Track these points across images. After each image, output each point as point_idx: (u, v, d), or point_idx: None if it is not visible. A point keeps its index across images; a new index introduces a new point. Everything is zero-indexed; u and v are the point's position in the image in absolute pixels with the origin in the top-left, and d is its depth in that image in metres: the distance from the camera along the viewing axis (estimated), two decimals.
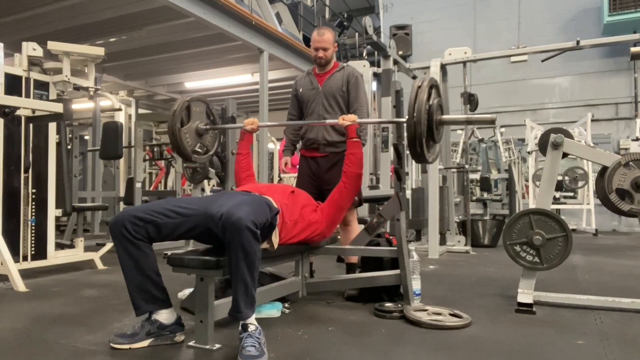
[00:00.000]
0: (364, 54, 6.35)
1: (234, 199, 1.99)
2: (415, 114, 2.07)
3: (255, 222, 1.80)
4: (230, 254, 1.79)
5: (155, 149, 7.42)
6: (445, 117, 2.27)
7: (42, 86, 3.57)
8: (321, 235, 2.53)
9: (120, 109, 7.15)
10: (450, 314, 2.34)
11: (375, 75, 5.31)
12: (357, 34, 8.13)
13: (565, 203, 8.23)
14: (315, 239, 2.51)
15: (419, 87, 2.12)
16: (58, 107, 3.23)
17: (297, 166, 3.34)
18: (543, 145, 2.85)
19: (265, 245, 2.11)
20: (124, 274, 1.96)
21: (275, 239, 2.10)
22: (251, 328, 1.81)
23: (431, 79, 2.20)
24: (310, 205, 2.49)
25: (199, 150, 2.78)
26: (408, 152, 2.27)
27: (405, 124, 2.23)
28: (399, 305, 2.45)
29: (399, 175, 2.58)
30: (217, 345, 1.91)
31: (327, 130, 3.06)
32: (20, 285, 3.07)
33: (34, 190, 3.53)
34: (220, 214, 1.81)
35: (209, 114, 2.81)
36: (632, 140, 7.56)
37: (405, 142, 2.32)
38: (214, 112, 2.82)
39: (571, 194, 8.43)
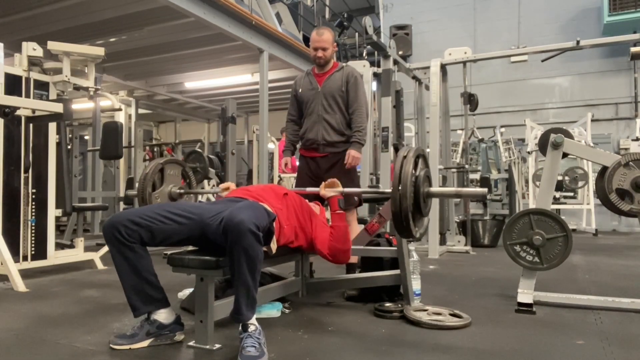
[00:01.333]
0: (364, 54, 6.36)
1: (233, 204, 1.98)
2: (400, 187, 1.90)
3: (258, 225, 1.79)
4: (232, 256, 1.78)
5: (155, 149, 7.42)
6: (433, 189, 2.08)
7: (42, 86, 3.57)
8: (309, 249, 2.48)
9: (120, 109, 7.16)
10: (450, 314, 2.34)
11: (375, 75, 5.31)
12: (357, 34, 8.15)
13: (565, 203, 8.23)
14: (308, 251, 2.49)
15: (404, 157, 1.96)
16: (58, 107, 3.23)
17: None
18: (543, 145, 2.84)
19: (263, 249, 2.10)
20: (119, 277, 1.96)
21: (274, 245, 2.09)
22: (251, 328, 1.81)
23: (418, 148, 2.05)
24: (303, 209, 2.41)
25: None
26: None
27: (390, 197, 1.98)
28: (399, 305, 2.45)
29: None
30: (217, 345, 1.91)
31: (326, 130, 3.06)
32: (20, 285, 3.07)
33: (34, 190, 3.53)
34: (221, 218, 1.81)
35: (185, 175, 2.74)
36: (632, 140, 7.57)
37: (405, 140, 2.21)
38: (190, 175, 2.76)
39: (571, 194, 8.43)
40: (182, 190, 2.68)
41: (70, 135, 6.11)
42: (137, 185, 2.51)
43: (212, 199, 4.81)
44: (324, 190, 2.39)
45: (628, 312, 2.48)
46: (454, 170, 5.93)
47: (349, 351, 1.92)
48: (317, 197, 2.79)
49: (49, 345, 1.98)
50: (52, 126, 3.66)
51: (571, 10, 9.59)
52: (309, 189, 2.61)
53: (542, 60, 5.52)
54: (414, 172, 1.96)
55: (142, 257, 1.95)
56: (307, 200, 2.53)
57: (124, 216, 1.95)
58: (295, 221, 2.29)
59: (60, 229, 5.33)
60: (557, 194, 7.87)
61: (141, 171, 5.25)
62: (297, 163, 3.83)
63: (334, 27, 7.95)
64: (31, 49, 3.47)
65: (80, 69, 3.79)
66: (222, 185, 2.62)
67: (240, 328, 1.83)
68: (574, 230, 7.41)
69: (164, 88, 8.37)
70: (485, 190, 2.08)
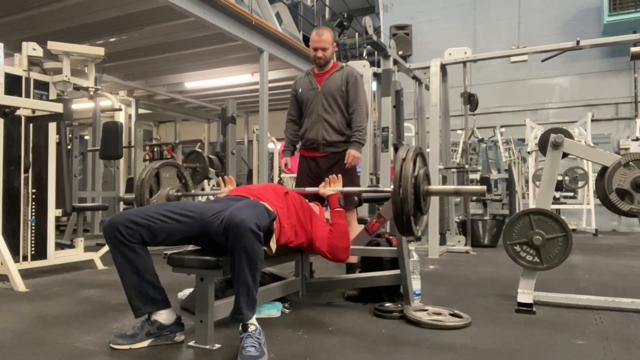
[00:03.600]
0: (364, 54, 6.35)
1: (233, 203, 1.98)
2: (401, 191, 1.93)
3: (259, 224, 1.79)
4: (232, 256, 1.79)
5: (155, 149, 7.42)
6: (432, 187, 2.13)
7: (42, 86, 3.57)
8: (309, 248, 2.48)
9: (120, 109, 7.15)
10: (450, 314, 2.34)
11: (375, 75, 5.30)
12: (357, 34, 8.14)
13: (565, 203, 8.23)
14: (308, 249, 2.49)
15: (404, 159, 1.98)
16: (58, 107, 3.23)
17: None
18: (543, 145, 2.84)
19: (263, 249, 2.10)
20: (120, 277, 1.96)
21: (273, 244, 2.09)
22: (251, 328, 1.81)
23: (416, 147, 2.07)
24: (304, 207, 2.43)
25: None
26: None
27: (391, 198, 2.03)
28: (399, 305, 2.45)
29: None
30: (217, 345, 1.91)
31: (326, 130, 3.06)
32: (20, 285, 3.07)
33: (34, 190, 3.53)
34: (222, 217, 1.81)
35: (180, 177, 2.77)
36: (632, 140, 7.56)
37: (404, 140, 2.23)
38: (185, 176, 2.79)
39: (571, 194, 8.43)
40: (179, 193, 2.71)
41: (70, 135, 6.11)
42: (135, 190, 2.55)
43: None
44: (323, 189, 2.40)
45: (628, 312, 2.48)
46: (454, 170, 5.93)
47: (349, 351, 1.92)
48: (317, 197, 2.79)
49: (49, 345, 1.98)
50: (52, 126, 3.66)
51: (571, 10, 9.59)
52: (309, 189, 2.61)
53: (542, 60, 5.52)
54: (413, 173, 1.98)
55: (142, 258, 1.95)
56: (307, 200, 2.54)
57: (124, 216, 1.95)
58: (295, 220, 2.29)
59: (60, 229, 5.33)
60: (557, 194, 7.87)
61: (141, 171, 5.25)
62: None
63: (334, 27, 7.94)
64: (31, 49, 3.47)
65: (80, 69, 3.78)
66: (223, 189, 2.61)
67: (240, 328, 1.83)
68: (574, 230, 7.41)
69: (164, 88, 8.37)
70: (484, 187, 2.13)
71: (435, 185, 2.15)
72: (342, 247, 2.32)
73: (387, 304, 2.47)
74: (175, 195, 2.66)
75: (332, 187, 2.41)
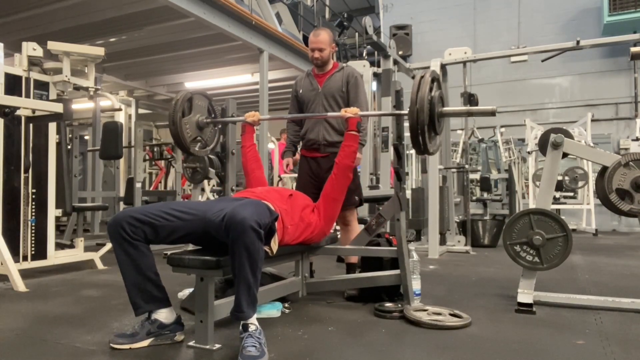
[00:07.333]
0: (364, 54, 6.36)
1: (236, 202, 2.00)
2: (417, 105, 2.08)
3: (259, 222, 1.80)
4: (233, 253, 1.79)
5: (155, 149, 7.42)
6: (446, 109, 2.28)
7: (42, 86, 3.57)
8: (321, 233, 2.54)
9: (120, 109, 7.16)
10: (450, 314, 2.34)
11: (375, 75, 5.31)
12: (357, 34, 8.14)
13: (565, 203, 8.23)
14: (315, 238, 2.51)
15: (422, 77, 2.14)
16: (58, 107, 3.23)
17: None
18: (543, 145, 2.85)
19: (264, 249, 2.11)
20: (122, 274, 1.97)
21: (275, 245, 2.10)
22: (252, 328, 1.81)
23: (433, 71, 2.21)
24: (308, 206, 2.50)
25: (199, 143, 2.78)
26: (410, 146, 2.27)
27: (406, 117, 2.25)
28: (399, 305, 2.45)
29: (399, 175, 2.58)
30: (217, 345, 1.91)
31: (327, 130, 3.06)
32: (20, 285, 3.07)
33: (34, 190, 3.52)
34: (224, 215, 1.81)
35: (210, 110, 2.81)
36: (632, 140, 7.56)
37: (405, 140, 2.30)
38: (215, 109, 2.82)
39: (571, 194, 8.43)
40: (208, 120, 2.74)
41: (70, 135, 6.10)
42: (169, 110, 2.60)
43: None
44: (344, 112, 2.56)
45: (628, 312, 2.48)
46: (454, 170, 5.93)
47: (349, 351, 1.92)
48: (317, 199, 2.80)
49: (49, 345, 1.98)
50: (52, 126, 3.66)
51: (571, 10, 9.59)
52: (331, 114, 2.83)
53: (542, 60, 5.52)
54: (429, 93, 2.13)
55: (144, 255, 1.96)
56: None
57: (127, 213, 1.96)
58: (299, 219, 2.33)
59: (60, 229, 5.33)
60: (557, 194, 7.87)
61: (141, 171, 5.21)
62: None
63: (334, 27, 7.95)
64: (31, 49, 3.46)
65: (80, 69, 3.78)
66: (249, 113, 2.76)
67: (240, 328, 1.83)
68: (574, 230, 7.40)
69: (164, 88, 8.38)
70: (495, 107, 2.28)
71: (449, 107, 2.35)
72: (348, 165, 2.56)
73: (387, 304, 2.47)
74: (205, 122, 2.71)
75: (352, 112, 2.56)
